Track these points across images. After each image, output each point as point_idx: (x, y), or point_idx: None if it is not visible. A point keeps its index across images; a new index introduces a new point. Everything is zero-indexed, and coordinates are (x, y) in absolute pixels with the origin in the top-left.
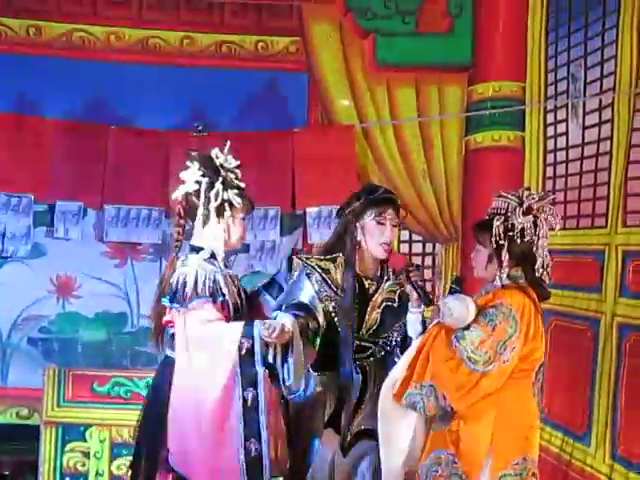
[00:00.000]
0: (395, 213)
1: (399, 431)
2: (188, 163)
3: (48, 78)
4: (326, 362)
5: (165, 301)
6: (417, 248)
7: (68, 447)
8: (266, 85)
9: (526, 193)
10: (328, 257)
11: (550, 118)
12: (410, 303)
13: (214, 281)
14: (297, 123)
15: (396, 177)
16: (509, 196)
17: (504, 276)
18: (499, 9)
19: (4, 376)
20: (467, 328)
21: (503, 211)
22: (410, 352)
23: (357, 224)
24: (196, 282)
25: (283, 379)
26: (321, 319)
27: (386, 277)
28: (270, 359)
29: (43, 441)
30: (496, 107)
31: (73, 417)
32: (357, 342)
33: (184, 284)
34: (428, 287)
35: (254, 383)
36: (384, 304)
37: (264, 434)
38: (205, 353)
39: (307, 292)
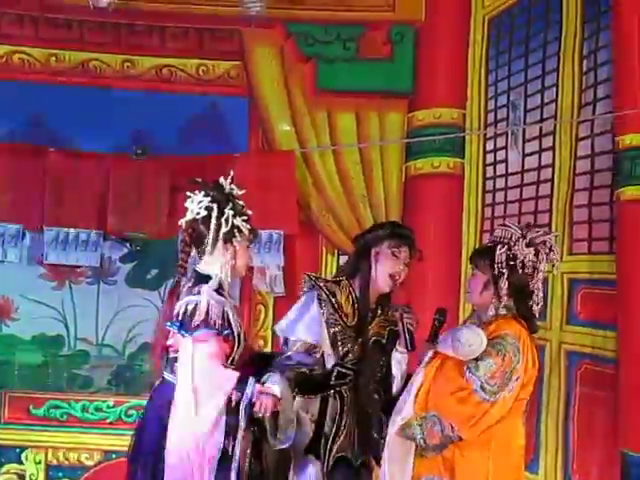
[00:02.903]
0: (410, 254)
1: (405, 462)
2: (189, 192)
3: None
4: (308, 386)
5: (171, 326)
6: None
7: (4, 469)
8: (207, 109)
9: (527, 228)
10: (333, 280)
11: (490, 145)
12: (398, 342)
13: (223, 313)
14: (238, 147)
15: (335, 202)
16: (512, 226)
17: (501, 305)
18: (440, 36)
19: None
20: (479, 359)
21: (506, 240)
22: (413, 391)
23: (373, 249)
24: (207, 312)
25: (273, 434)
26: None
27: (379, 311)
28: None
29: None
30: (436, 134)
31: (9, 439)
32: (339, 368)
33: (194, 312)
34: None
35: (234, 434)
36: (373, 338)
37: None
38: (203, 386)
39: (314, 319)
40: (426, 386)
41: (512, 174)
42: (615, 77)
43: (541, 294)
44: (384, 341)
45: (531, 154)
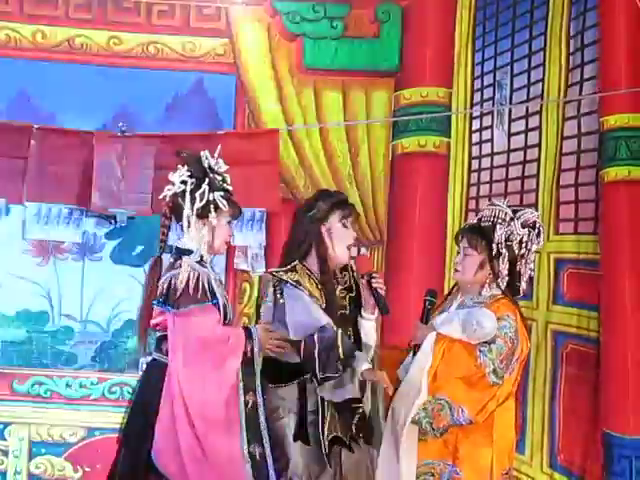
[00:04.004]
0: (355, 217)
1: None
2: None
3: None
4: (287, 374)
5: (157, 304)
6: None
7: None
8: (193, 86)
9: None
10: (288, 268)
11: (476, 124)
12: (363, 309)
13: (208, 284)
14: (224, 125)
15: (322, 181)
16: (502, 206)
17: (503, 286)
18: (427, 15)
19: None
20: (491, 342)
21: (500, 220)
22: (425, 375)
23: (322, 227)
24: (193, 285)
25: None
26: None
27: (337, 282)
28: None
29: None
30: (423, 113)
31: None
32: None
33: (177, 286)
34: None
35: (253, 388)
36: (340, 311)
37: (265, 437)
38: (209, 355)
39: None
40: (432, 370)
41: (498, 153)
42: (601, 58)
43: (531, 274)
44: (347, 312)
45: (517, 134)
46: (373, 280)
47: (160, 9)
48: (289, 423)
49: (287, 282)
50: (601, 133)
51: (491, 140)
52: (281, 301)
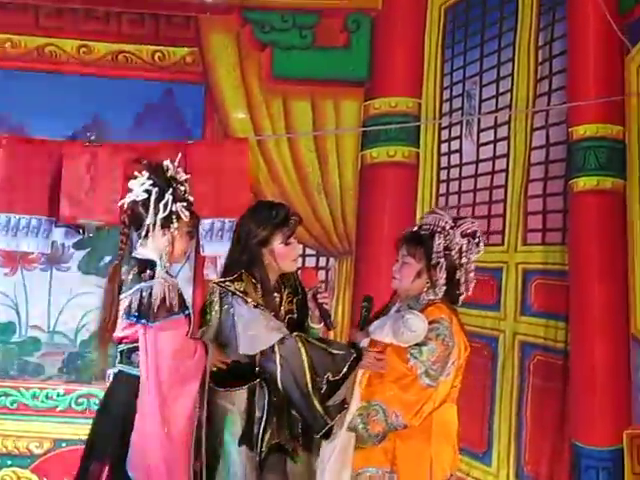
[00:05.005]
0: (297, 226)
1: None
2: (136, 172)
3: None
4: (234, 378)
5: (127, 317)
6: (311, 262)
7: None
8: (162, 96)
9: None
10: (234, 278)
11: (445, 135)
12: (310, 319)
13: (179, 295)
14: (193, 135)
15: (290, 191)
16: (443, 214)
17: (440, 294)
18: (396, 26)
19: None
20: (422, 344)
21: (439, 228)
22: (357, 383)
23: (264, 250)
24: (169, 298)
25: None
26: None
27: (283, 288)
28: None
29: None
30: (392, 123)
31: None
32: None
33: (153, 299)
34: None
35: (202, 404)
36: (288, 316)
37: (203, 452)
38: (183, 369)
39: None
40: (366, 375)
41: (467, 164)
42: (569, 68)
43: (471, 284)
44: (295, 316)
45: (486, 144)
46: (319, 295)
47: (130, 18)
48: (236, 430)
49: (234, 294)
50: (570, 143)
51: (460, 150)
52: (226, 315)
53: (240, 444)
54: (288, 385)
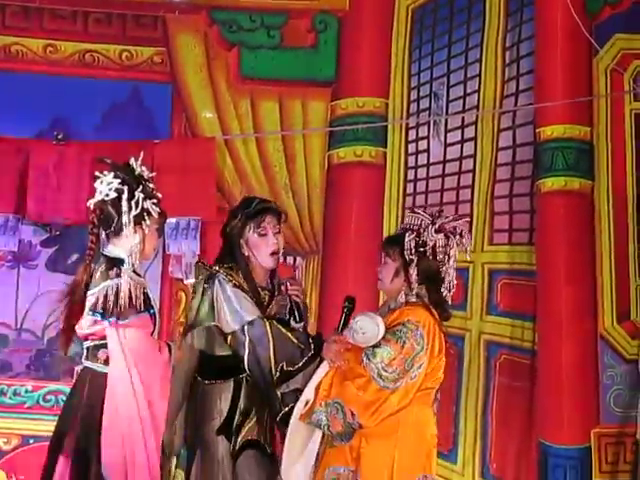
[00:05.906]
0: (276, 220)
1: (305, 449)
2: (98, 172)
3: None
4: (220, 371)
5: (92, 314)
6: None
7: None
8: (130, 95)
9: (437, 214)
10: (226, 266)
11: (412, 135)
12: (292, 317)
13: (144, 294)
14: (160, 134)
15: (258, 190)
16: (422, 213)
17: (412, 292)
18: (364, 26)
19: None
20: (377, 346)
21: (416, 227)
22: (320, 373)
23: (241, 241)
24: (135, 296)
25: None
26: None
27: (276, 290)
28: None
29: None
30: (359, 122)
31: None
32: None
33: (119, 297)
34: None
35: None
36: (277, 317)
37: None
38: (151, 365)
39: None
40: (331, 373)
41: (434, 164)
42: (537, 69)
43: (453, 280)
44: (286, 319)
45: (453, 144)
46: (289, 287)
47: (97, 17)
48: (218, 422)
49: (219, 273)
50: (537, 144)
51: (427, 150)
52: (210, 294)
53: (218, 434)
54: (253, 369)
